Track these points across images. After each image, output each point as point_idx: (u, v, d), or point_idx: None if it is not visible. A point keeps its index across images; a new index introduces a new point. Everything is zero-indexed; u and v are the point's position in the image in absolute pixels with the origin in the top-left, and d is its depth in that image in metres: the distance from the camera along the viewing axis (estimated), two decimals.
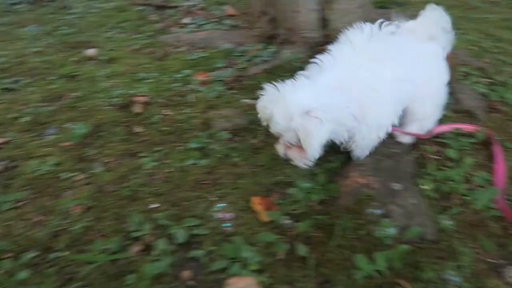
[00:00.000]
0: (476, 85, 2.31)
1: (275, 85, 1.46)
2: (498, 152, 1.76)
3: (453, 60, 2.33)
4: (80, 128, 2.00)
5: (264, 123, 1.53)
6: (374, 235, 1.44)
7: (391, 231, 1.44)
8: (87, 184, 1.72)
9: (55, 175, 1.76)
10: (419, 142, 1.90)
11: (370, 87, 1.49)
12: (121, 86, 2.43)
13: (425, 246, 1.42)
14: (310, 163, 1.51)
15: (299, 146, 1.43)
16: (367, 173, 1.65)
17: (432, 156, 1.82)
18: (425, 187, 1.66)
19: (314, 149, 1.39)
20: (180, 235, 1.46)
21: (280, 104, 1.39)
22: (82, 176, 1.76)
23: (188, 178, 1.73)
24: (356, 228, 1.48)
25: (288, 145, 1.48)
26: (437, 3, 1.76)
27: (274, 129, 1.45)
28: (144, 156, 1.86)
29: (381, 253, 1.37)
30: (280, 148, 1.54)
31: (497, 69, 2.51)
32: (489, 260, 1.40)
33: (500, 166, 1.70)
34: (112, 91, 2.38)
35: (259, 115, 1.53)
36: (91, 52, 2.90)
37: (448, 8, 3.80)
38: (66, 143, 1.96)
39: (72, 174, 1.77)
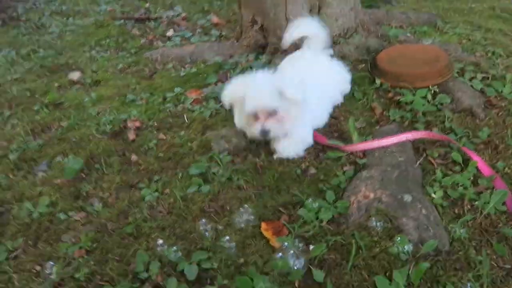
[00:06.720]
0: (472, 82, 2.28)
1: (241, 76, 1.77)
2: (466, 149, 1.79)
3: (447, 57, 2.31)
4: (73, 163, 1.91)
5: (229, 107, 1.79)
6: (389, 251, 1.40)
7: (407, 247, 1.41)
8: (87, 223, 1.64)
9: (51, 217, 1.68)
10: (421, 146, 1.87)
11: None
12: (111, 111, 2.34)
13: (442, 259, 1.39)
14: (287, 132, 1.76)
15: (278, 117, 1.67)
16: (375, 186, 1.62)
17: (438, 161, 1.79)
18: (434, 195, 1.63)
19: (300, 114, 1.72)
20: (190, 271, 1.40)
21: (263, 85, 1.67)
22: (80, 215, 1.67)
23: (192, 207, 1.67)
24: (371, 246, 1.44)
25: (265, 118, 1.67)
26: None
27: (249, 108, 1.65)
28: (143, 187, 1.78)
29: (399, 271, 1.33)
30: (256, 126, 1.69)
31: (490, 62, 2.49)
32: (506, 266, 1.37)
33: (477, 159, 1.73)
34: (102, 117, 2.29)
35: (224, 101, 1.75)
36: (74, 75, 2.79)
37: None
38: (59, 180, 1.86)
39: (69, 214, 1.68)
